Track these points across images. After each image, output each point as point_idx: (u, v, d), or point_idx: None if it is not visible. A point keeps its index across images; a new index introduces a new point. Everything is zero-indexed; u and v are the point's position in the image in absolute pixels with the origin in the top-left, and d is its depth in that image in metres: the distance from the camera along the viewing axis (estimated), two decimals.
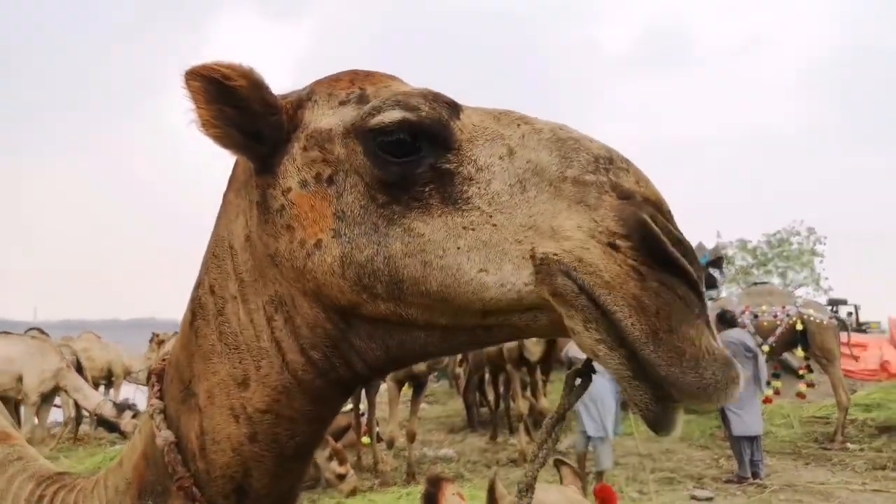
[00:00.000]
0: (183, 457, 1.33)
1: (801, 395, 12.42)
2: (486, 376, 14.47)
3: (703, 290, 1.03)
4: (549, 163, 1.10)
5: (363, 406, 11.14)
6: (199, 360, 1.34)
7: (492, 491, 3.72)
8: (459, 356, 12.64)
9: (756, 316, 12.29)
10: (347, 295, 1.19)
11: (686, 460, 10.76)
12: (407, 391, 10.68)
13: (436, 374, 19.11)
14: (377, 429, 11.05)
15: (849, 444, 11.08)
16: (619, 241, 1.01)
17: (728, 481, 9.42)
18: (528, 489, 1.29)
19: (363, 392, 10.93)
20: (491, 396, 14.71)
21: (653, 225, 1.01)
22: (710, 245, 19.78)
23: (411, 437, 9.99)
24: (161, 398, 1.42)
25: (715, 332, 1.03)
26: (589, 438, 8.53)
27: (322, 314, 1.24)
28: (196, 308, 1.38)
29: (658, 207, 1.06)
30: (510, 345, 11.46)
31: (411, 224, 1.14)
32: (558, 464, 4.19)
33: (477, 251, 1.09)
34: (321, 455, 8.74)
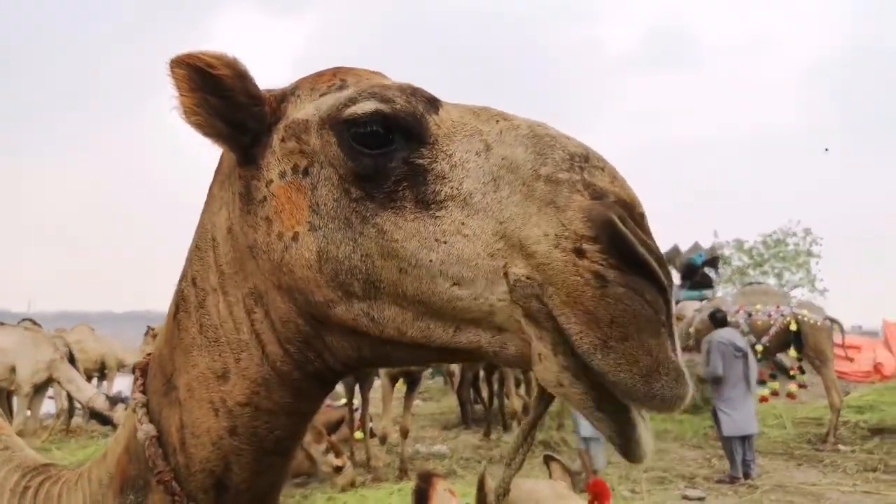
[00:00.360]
0: (164, 451, 1.32)
1: (791, 396, 12.47)
2: (481, 373, 14.49)
3: (672, 296, 1.02)
4: (525, 160, 1.09)
5: (357, 401, 11.15)
6: (180, 353, 1.34)
7: (481, 485, 3.75)
8: None
9: (750, 315, 12.33)
10: (323, 290, 1.18)
11: (678, 460, 10.79)
12: (401, 387, 10.68)
13: (430, 370, 19.14)
14: (370, 424, 11.06)
15: (841, 446, 11.12)
16: (585, 245, 0.99)
17: (720, 481, 9.45)
18: (504, 494, 1.31)
19: (357, 387, 10.94)
20: (485, 393, 14.74)
21: (621, 225, 0.99)
22: (706, 245, 19.85)
23: (404, 433, 9.99)
24: (144, 392, 1.42)
25: (678, 338, 1.02)
26: (584, 438, 8.57)
27: (293, 310, 1.24)
28: (179, 301, 1.38)
29: (630, 209, 1.04)
30: None
31: (384, 226, 1.13)
32: (548, 459, 4.23)
33: (449, 266, 1.08)
34: (318, 449, 8.89)
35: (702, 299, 16.16)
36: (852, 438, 11.61)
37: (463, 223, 1.09)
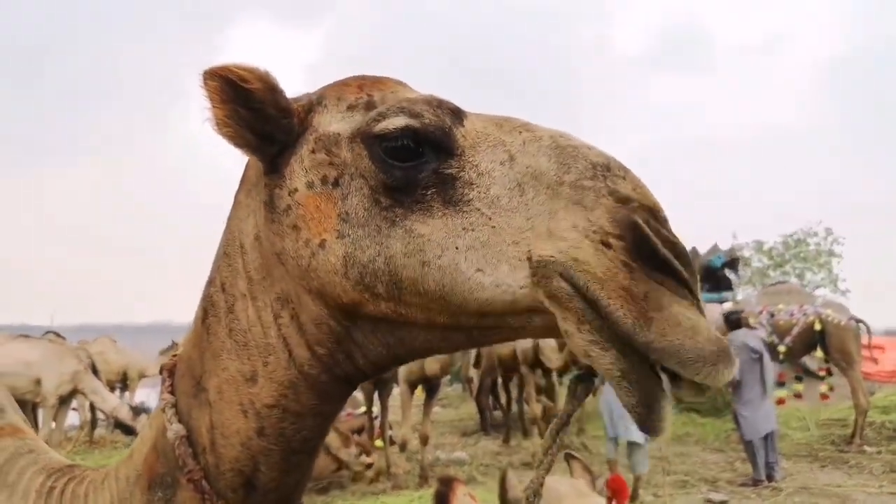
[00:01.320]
0: (193, 450, 1.35)
1: (825, 396, 12.20)
2: (499, 379, 14.44)
3: (697, 289, 1.05)
4: (548, 168, 1.13)
5: (376, 409, 11.18)
6: (209, 356, 1.37)
7: (503, 483, 3.80)
8: (473, 358, 12.66)
9: (772, 315, 12.14)
10: (350, 294, 1.22)
11: (700, 463, 10.70)
12: (420, 394, 10.69)
13: (449, 377, 19.16)
14: (390, 432, 11.06)
15: (866, 447, 10.95)
16: (612, 240, 1.03)
17: (743, 484, 9.35)
18: (535, 495, 1.33)
19: (376, 395, 10.97)
20: (504, 400, 14.69)
21: (645, 227, 1.03)
22: (725, 246, 19.63)
23: (424, 440, 9.99)
24: (173, 393, 1.44)
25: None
26: (616, 444, 8.58)
27: (325, 311, 1.27)
28: (207, 306, 1.40)
29: (653, 213, 1.08)
30: (524, 346, 11.41)
31: (412, 225, 1.17)
32: (569, 457, 4.24)
33: (474, 251, 1.12)
34: (348, 453, 9.60)
35: (722, 301, 15.98)
36: (878, 439, 11.43)
37: (490, 217, 1.13)
